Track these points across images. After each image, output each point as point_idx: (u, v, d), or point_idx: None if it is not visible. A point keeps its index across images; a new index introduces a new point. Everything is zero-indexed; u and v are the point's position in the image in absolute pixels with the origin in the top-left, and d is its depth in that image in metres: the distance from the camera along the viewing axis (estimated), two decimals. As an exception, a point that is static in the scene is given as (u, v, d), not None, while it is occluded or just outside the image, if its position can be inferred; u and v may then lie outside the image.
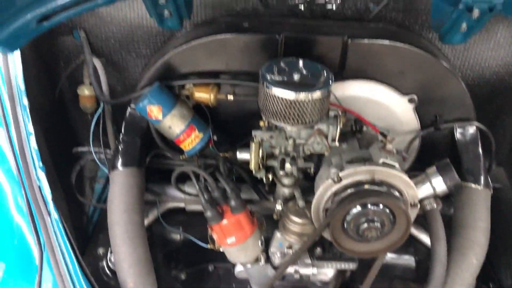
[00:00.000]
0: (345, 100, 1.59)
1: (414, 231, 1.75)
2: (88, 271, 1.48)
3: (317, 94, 1.31)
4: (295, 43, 1.54)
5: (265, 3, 1.56)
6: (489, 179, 1.65)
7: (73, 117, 2.02)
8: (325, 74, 1.37)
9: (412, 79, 1.59)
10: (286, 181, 1.50)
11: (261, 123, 1.44)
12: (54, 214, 1.46)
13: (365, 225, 1.34)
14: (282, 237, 1.57)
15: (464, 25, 1.39)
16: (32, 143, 1.51)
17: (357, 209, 1.34)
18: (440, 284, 1.46)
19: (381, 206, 1.33)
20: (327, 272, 1.64)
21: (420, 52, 1.54)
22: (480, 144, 1.67)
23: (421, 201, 1.53)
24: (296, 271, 1.60)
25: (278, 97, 1.30)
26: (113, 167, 1.59)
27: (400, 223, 1.37)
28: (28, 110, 1.52)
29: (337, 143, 1.43)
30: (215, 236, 1.53)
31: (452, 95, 1.63)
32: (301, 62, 1.40)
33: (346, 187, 1.37)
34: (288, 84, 1.31)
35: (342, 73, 1.58)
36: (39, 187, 1.49)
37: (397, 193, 1.37)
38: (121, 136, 1.63)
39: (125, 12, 1.78)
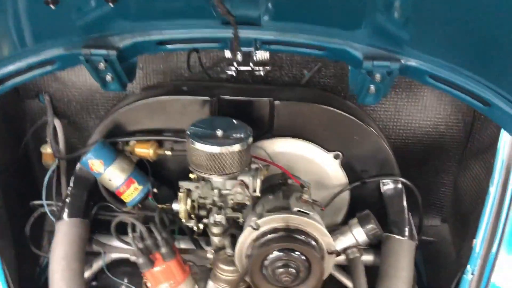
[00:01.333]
0: (276, 155, 1.74)
1: (345, 279, 1.81)
2: None
3: (235, 148, 1.45)
4: (228, 104, 1.71)
5: (207, 72, 1.76)
6: (414, 230, 1.74)
7: (36, 173, 2.16)
8: (245, 131, 1.52)
9: (335, 137, 1.74)
10: (215, 230, 1.59)
11: (191, 175, 1.57)
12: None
13: (281, 270, 1.43)
14: (214, 285, 1.64)
15: (372, 88, 1.55)
16: None
17: (273, 254, 1.43)
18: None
19: (295, 252, 1.43)
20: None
21: (339, 113, 1.71)
22: (404, 198, 1.78)
23: (344, 250, 1.63)
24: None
25: (201, 151, 1.45)
26: (59, 217, 1.71)
27: (315, 269, 1.46)
28: None
29: (258, 194, 1.55)
30: (149, 284, 1.61)
31: (374, 152, 1.77)
32: (224, 121, 1.56)
33: (264, 234, 1.47)
34: (210, 139, 1.46)
35: (272, 131, 1.73)
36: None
37: (311, 240, 1.46)
38: (69, 189, 1.76)
39: (85, 77, 1.98)
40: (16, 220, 1.89)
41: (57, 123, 1.98)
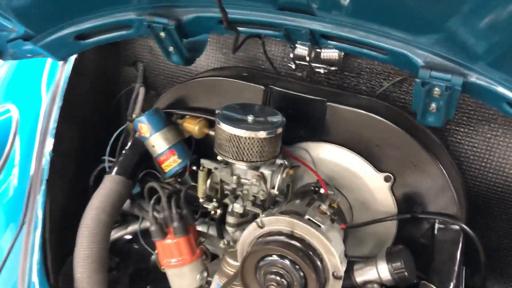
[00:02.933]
0: (320, 161, 1.60)
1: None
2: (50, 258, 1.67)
3: (255, 134, 1.36)
4: (280, 97, 1.63)
5: (271, 62, 1.72)
6: (462, 289, 1.43)
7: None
8: (277, 122, 1.42)
9: (388, 156, 1.53)
10: (230, 219, 1.52)
11: (218, 157, 1.53)
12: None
13: (272, 276, 1.30)
14: (218, 278, 1.57)
15: (433, 105, 1.32)
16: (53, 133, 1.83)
17: (270, 257, 1.31)
18: None
19: (293, 263, 1.28)
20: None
21: (398, 130, 1.49)
22: (460, 247, 1.47)
23: (364, 284, 1.42)
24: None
25: (222, 130, 1.40)
26: (108, 172, 1.81)
27: (311, 289, 1.29)
28: (59, 108, 1.86)
29: (276, 191, 1.43)
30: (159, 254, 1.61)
31: (434, 186, 1.51)
32: (263, 109, 1.48)
33: (267, 234, 1.35)
34: (235, 121, 1.40)
35: (320, 135, 1.59)
36: (43, 169, 1.78)
37: (315, 257, 1.29)
38: (126, 149, 1.86)
39: None
40: (89, 169, 2.05)
41: (141, 90, 2.12)
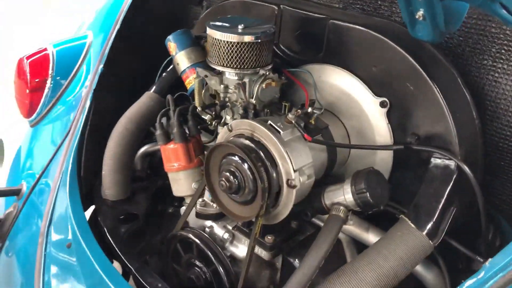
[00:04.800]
0: (322, 84, 1.54)
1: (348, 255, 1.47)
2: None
3: (233, 38, 1.38)
4: (290, 15, 1.60)
5: None
6: (442, 231, 1.26)
7: None
8: (263, 31, 1.41)
9: (386, 78, 1.40)
10: (220, 130, 1.56)
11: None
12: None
13: (226, 173, 1.32)
14: (209, 186, 1.62)
15: (420, 13, 1.18)
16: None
17: (231, 157, 1.33)
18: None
19: (245, 164, 1.28)
20: (240, 247, 1.57)
21: (394, 47, 1.35)
22: (451, 185, 1.29)
23: (332, 205, 1.35)
24: (211, 226, 1.62)
25: (208, 36, 1.45)
26: (148, 90, 2.00)
27: (258, 196, 1.28)
28: (116, 32, 2.08)
29: (253, 100, 1.43)
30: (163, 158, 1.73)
31: (431, 115, 1.34)
32: (259, 22, 1.48)
33: (233, 136, 1.37)
34: (220, 27, 1.43)
35: (325, 57, 1.53)
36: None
37: (268, 161, 1.27)
38: (167, 71, 2.02)
39: None
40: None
41: (201, 26, 2.26)
